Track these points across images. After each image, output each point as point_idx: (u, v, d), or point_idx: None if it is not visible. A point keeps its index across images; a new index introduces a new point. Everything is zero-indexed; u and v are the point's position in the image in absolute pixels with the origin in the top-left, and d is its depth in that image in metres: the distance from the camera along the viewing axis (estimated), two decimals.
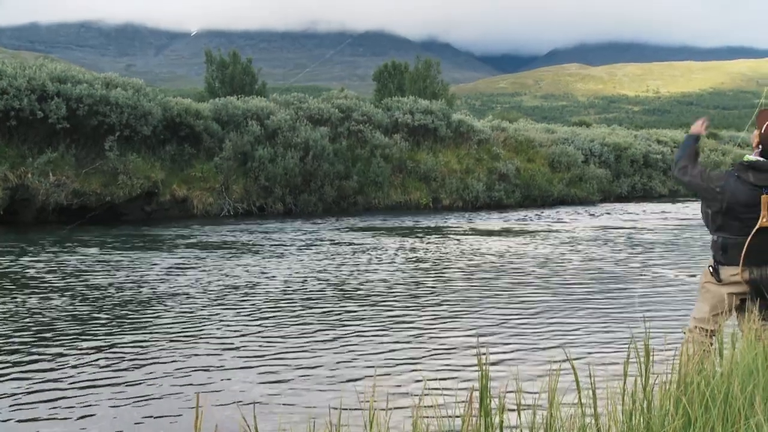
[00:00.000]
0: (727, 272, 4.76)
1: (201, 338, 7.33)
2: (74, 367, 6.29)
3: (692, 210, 26.24)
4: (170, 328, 7.76)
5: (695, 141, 5.12)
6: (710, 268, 4.86)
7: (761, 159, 4.67)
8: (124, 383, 5.87)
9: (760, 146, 4.68)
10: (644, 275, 11.48)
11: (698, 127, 5.21)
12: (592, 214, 24.33)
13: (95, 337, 7.32)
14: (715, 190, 4.68)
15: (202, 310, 8.68)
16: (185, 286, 10.29)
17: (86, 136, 20.80)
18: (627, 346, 4.29)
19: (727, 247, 4.71)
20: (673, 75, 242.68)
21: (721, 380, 3.28)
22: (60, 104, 19.84)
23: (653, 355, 3.87)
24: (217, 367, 6.35)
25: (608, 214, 24.63)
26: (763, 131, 4.69)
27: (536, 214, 24.09)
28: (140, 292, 9.81)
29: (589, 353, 6.58)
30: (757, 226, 4.58)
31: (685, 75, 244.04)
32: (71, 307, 8.79)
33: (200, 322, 8.02)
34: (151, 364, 6.42)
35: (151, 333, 7.54)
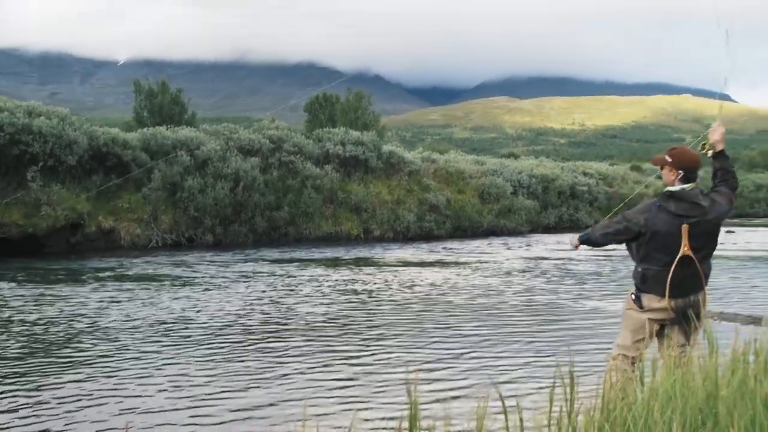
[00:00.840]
0: (648, 300, 4.89)
1: (131, 375, 7.18)
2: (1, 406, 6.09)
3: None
4: (100, 364, 7.58)
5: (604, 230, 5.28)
6: (632, 295, 4.99)
7: (684, 187, 4.86)
8: (53, 419, 5.71)
9: (681, 172, 4.87)
10: (571, 305, 11.71)
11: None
12: (521, 245, 24.72)
13: (24, 375, 7.10)
14: (638, 223, 4.85)
15: (132, 345, 8.50)
16: (114, 320, 10.07)
17: (7, 165, 20.27)
18: (553, 374, 4.38)
19: (647, 277, 4.86)
20: (598, 109, 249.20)
21: (642, 406, 3.38)
22: None
23: (578, 383, 3.96)
24: (147, 404, 6.23)
25: (537, 244, 25.06)
26: (677, 160, 4.91)
27: (467, 245, 24.35)
28: (69, 327, 9.56)
29: (517, 382, 6.67)
30: (679, 255, 4.73)
31: (610, 109, 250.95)
32: None
33: (131, 358, 7.85)
34: (81, 400, 6.26)
35: (80, 370, 7.35)
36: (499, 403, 3.69)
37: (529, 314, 10.82)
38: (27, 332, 9.13)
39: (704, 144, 5.33)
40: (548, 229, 33.06)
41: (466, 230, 29.11)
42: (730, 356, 3.97)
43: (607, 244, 5.24)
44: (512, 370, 7.26)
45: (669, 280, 4.75)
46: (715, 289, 13.65)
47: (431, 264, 18.24)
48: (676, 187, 4.87)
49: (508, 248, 23.29)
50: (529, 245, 24.51)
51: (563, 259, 19.52)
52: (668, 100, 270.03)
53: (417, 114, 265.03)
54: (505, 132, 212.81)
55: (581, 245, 5.40)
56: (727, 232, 31.68)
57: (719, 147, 5.26)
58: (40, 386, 6.66)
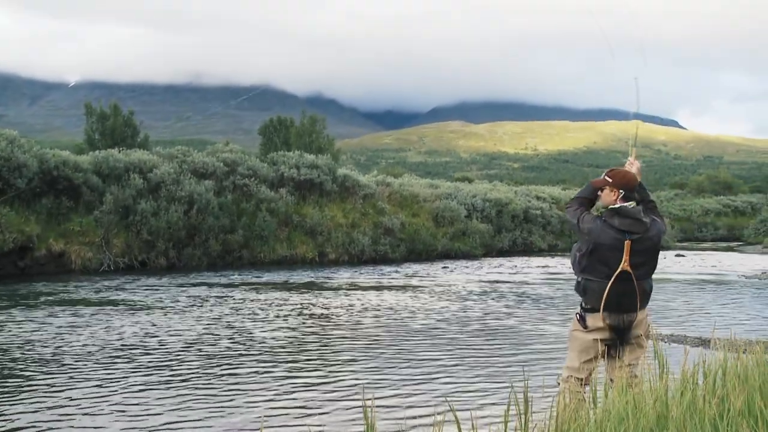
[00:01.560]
0: (592, 320, 5.00)
1: (83, 402, 7.07)
2: None
3: (569, 264, 27.22)
4: (51, 391, 7.45)
5: (593, 191, 5.32)
6: (577, 315, 5.08)
7: (626, 204, 5.03)
8: None
9: (621, 192, 5.05)
10: (527, 328, 11.83)
11: (599, 181, 5.38)
12: (475, 268, 24.88)
13: None
14: (584, 231, 5.00)
15: (84, 371, 8.37)
16: (66, 346, 9.90)
17: None
18: (507, 396, 4.44)
19: (587, 289, 4.98)
20: (550, 134, 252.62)
21: (595, 427, 3.45)
22: None
23: (532, 405, 4.02)
24: (97, 423, 6.14)
25: (491, 268, 25.25)
26: (618, 180, 5.10)
27: (421, 269, 24.44)
28: (19, 353, 9.37)
29: (473, 405, 6.72)
30: (618, 269, 4.87)
31: (561, 134, 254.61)
32: None
33: (83, 385, 7.73)
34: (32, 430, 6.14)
35: (30, 398, 7.21)
36: (455, 428, 3.73)
37: (485, 338, 10.90)
38: None
39: None
40: (502, 253, 33.32)
41: (420, 254, 29.22)
42: (680, 377, 4.07)
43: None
44: (468, 394, 7.31)
45: (605, 294, 4.88)
46: (665, 311, 13.91)
47: (387, 288, 18.27)
48: (619, 205, 5.04)
49: (463, 272, 23.43)
50: (483, 269, 24.69)
51: (518, 282, 19.70)
52: (618, 126, 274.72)
53: (371, 138, 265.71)
54: (458, 156, 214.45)
55: None
56: (677, 255, 32.31)
57: (637, 180, 5.42)
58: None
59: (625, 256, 4.88)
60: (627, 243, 4.90)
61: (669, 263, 27.50)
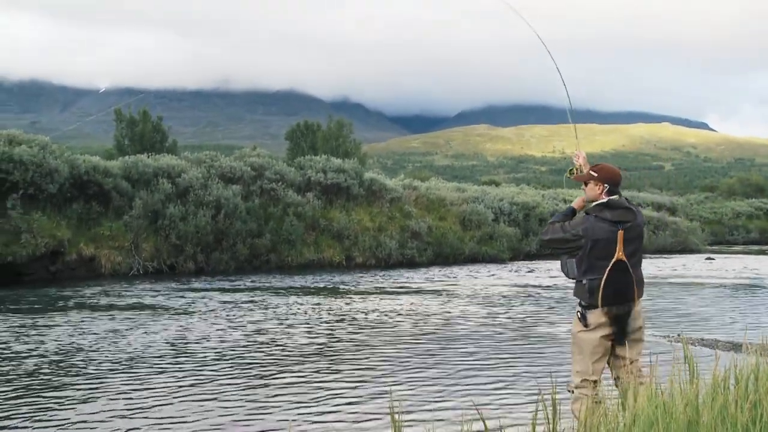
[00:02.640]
0: (594, 317, 4.95)
1: (112, 405, 7.14)
2: None
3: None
4: (80, 395, 7.53)
5: (571, 214, 5.38)
6: (578, 314, 5.03)
7: (613, 197, 5.10)
8: None
9: (606, 186, 5.12)
10: (554, 331, 11.76)
11: (578, 202, 5.48)
12: (503, 272, 24.79)
13: (6, 405, 7.04)
14: (578, 234, 4.96)
15: (114, 375, 8.45)
16: (98, 350, 10.00)
17: None
18: (535, 400, 4.41)
19: (594, 288, 4.92)
20: (578, 137, 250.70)
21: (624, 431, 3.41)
22: None
23: (560, 409, 3.99)
24: (128, 426, 6.19)
25: (519, 271, 25.14)
26: (603, 175, 5.17)
27: (449, 272, 24.39)
28: (54, 357, 9.48)
29: (501, 408, 6.69)
30: (614, 259, 4.88)
31: (589, 137, 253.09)
32: None
33: (116, 390, 7.80)
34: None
35: (62, 401, 7.29)
36: (482, 428, 3.71)
37: (512, 341, 10.85)
38: (9, 362, 9.04)
39: (571, 170, 5.59)
40: (529, 257, 33.15)
41: (447, 257, 29.16)
42: (711, 382, 4.02)
43: (548, 246, 5.31)
44: (496, 397, 7.28)
45: (602, 286, 4.87)
46: (695, 315, 13.76)
47: (414, 291, 18.25)
48: (607, 198, 5.10)
49: (491, 275, 23.35)
50: (510, 272, 24.59)
51: (545, 286, 19.60)
52: (647, 129, 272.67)
53: (398, 142, 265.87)
54: (485, 160, 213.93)
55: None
56: (707, 258, 31.95)
57: (586, 169, 5.50)
58: (20, 416, 6.60)
59: (620, 246, 4.91)
60: (620, 233, 4.93)
61: (699, 266, 27.20)
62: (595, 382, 4.93)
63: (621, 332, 4.93)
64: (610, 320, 4.90)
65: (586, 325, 4.97)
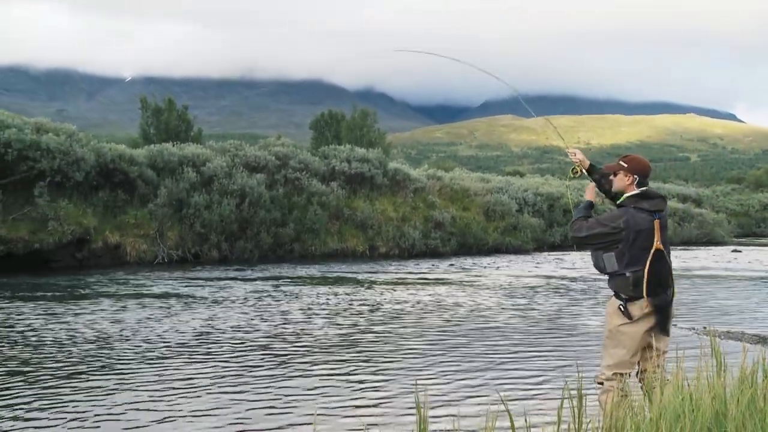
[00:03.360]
0: (636, 308, 4.89)
1: (138, 393, 7.20)
2: (18, 411, 6.11)
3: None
4: (108, 382, 7.60)
5: (590, 207, 5.34)
6: (620, 307, 4.95)
7: (649, 187, 5.10)
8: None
9: (636, 177, 5.07)
10: (578, 322, 11.70)
11: (591, 193, 5.45)
12: (527, 263, 24.70)
13: (32, 389, 7.12)
14: (619, 227, 4.89)
15: (142, 362, 8.52)
16: (125, 337, 10.09)
17: (15, 181, 20.36)
18: (561, 392, 4.39)
19: (639, 279, 4.87)
20: (603, 127, 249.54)
21: (650, 425, 3.38)
22: None
23: (586, 401, 3.97)
24: (155, 421, 6.24)
25: (543, 262, 25.04)
26: (633, 166, 5.11)
27: (472, 263, 24.34)
28: (84, 343, 9.58)
29: (526, 399, 6.67)
30: (653, 249, 4.85)
31: (614, 128, 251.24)
32: (13, 361, 8.53)
33: (141, 378, 7.87)
34: (88, 419, 6.27)
35: (91, 386, 7.37)
36: (508, 421, 3.70)
37: (537, 332, 10.81)
38: (35, 349, 9.15)
39: (573, 168, 5.66)
40: (553, 248, 32.99)
41: (471, 248, 29.10)
42: (739, 375, 3.98)
43: (584, 243, 5.19)
44: (521, 388, 7.26)
45: (647, 276, 4.84)
46: (722, 308, 13.63)
47: (438, 282, 18.23)
48: (641, 189, 5.07)
49: (515, 266, 23.27)
50: (534, 263, 24.49)
51: (570, 277, 19.50)
52: (673, 120, 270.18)
53: (422, 132, 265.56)
54: (510, 150, 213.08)
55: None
56: (733, 251, 31.63)
57: (587, 163, 5.63)
58: (47, 401, 6.68)
59: (657, 235, 4.89)
60: (656, 222, 4.92)
61: (726, 259, 26.94)
62: (626, 375, 4.90)
63: (665, 321, 4.91)
64: (654, 310, 4.87)
65: (629, 318, 4.91)
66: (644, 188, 5.07)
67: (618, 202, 5.14)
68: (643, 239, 4.87)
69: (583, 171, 5.66)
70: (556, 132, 6.09)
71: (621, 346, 4.93)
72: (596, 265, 5.12)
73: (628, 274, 4.89)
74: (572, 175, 5.68)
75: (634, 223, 4.88)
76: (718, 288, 17.22)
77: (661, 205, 5.00)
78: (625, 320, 4.92)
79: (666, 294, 4.90)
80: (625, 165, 5.13)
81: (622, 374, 4.89)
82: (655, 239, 4.87)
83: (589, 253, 5.22)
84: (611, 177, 5.25)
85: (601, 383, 4.95)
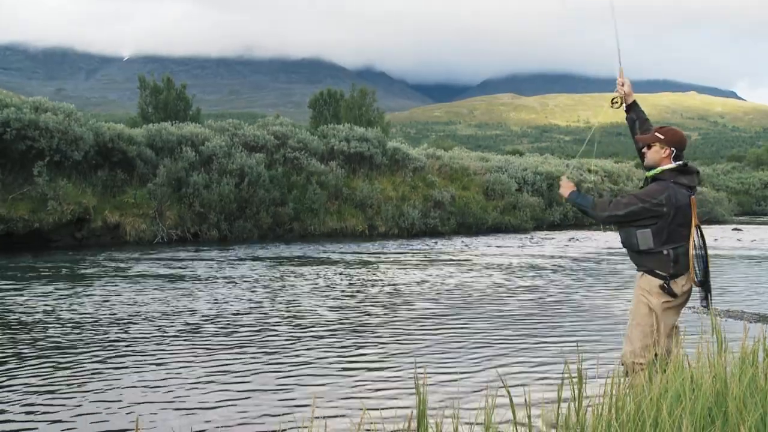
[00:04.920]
0: (679, 285, 4.77)
1: (137, 372, 7.20)
2: (7, 394, 6.11)
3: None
4: (109, 361, 7.60)
5: (579, 193, 5.14)
6: (663, 286, 4.76)
7: (687, 161, 4.88)
8: (62, 410, 5.72)
9: (673, 150, 4.82)
10: (579, 303, 11.70)
11: (567, 184, 5.22)
12: (526, 242, 24.70)
13: (33, 370, 7.12)
14: (661, 203, 4.68)
15: (140, 341, 8.52)
16: (126, 316, 10.09)
17: (14, 161, 20.31)
18: (561, 371, 4.38)
19: (679, 256, 4.73)
20: (602, 106, 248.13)
21: (651, 404, 3.37)
22: None
23: (586, 381, 3.96)
24: (156, 402, 6.25)
25: (543, 241, 25.04)
26: (670, 138, 4.85)
27: (472, 242, 24.34)
28: (87, 322, 9.59)
29: (526, 379, 6.67)
30: (692, 226, 4.72)
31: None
32: (6, 339, 8.53)
33: (138, 354, 7.87)
34: (90, 398, 6.27)
35: (91, 366, 7.37)
36: (507, 400, 3.69)
37: (538, 313, 10.81)
38: (42, 328, 9.15)
39: (614, 99, 5.37)
40: (553, 227, 33.02)
41: (470, 227, 29.11)
42: (740, 354, 3.97)
43: (618, 221, 4.94)
44: (521, 368, 7.26)
45: (690, 252, 4.71)
46: (722, 286, 13.64)
47: (437, 261, 18.24)
48: (680, 162, 4.84)
49: (515, 246, 23.27)
50: (534, 243, 24.49)
51: (569, 257, 19.50)
52: (672, 98, 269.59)
53: (421, 111, 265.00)
54: (509, 129, 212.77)
55: (569, 201, 5.21)
56: (734, 229, 31.64)
57: (631, 99, 5.36)
58: (48, 382, 6.68)
59: (694, 212, 4.74)
60: (693, 198, 4.77)
61: (726, 237, 26.94)
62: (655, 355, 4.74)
63: (709, 294, 4.80)
64: (700, 286, 4.76)
65: (673, 295, 4.75)
66: (682, 162, 4.85)
67: (653, 174, 4.89)
68: (682, 215, 4.71)
69: (624, 104, 5.40)
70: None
71: (653, 326, 4.75)
72: (626, 242, 4.92)
73: (666, 252, 4.72)
74: (612, 105, 5.39)
75: (675, 200, 4.68)
76: (719, 267, 17.22)
77: (696, 180, 4.86)
78: (668, 298, 4.76)
79: (708, 269, 4.78)
80: (662, 137, 4.86)
81: (656, 355, 4.70)
82: (693, 216, 4.73)
83: (614, 229, 5.03)
84: (644, 149, 4.96)
85: (634, 369, 4.75)
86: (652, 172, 4.89)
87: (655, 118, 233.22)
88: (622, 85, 5.35)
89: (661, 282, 4.74)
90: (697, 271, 4.71)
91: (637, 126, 5.29)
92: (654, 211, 4.69)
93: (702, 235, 4.75)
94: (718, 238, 26.80)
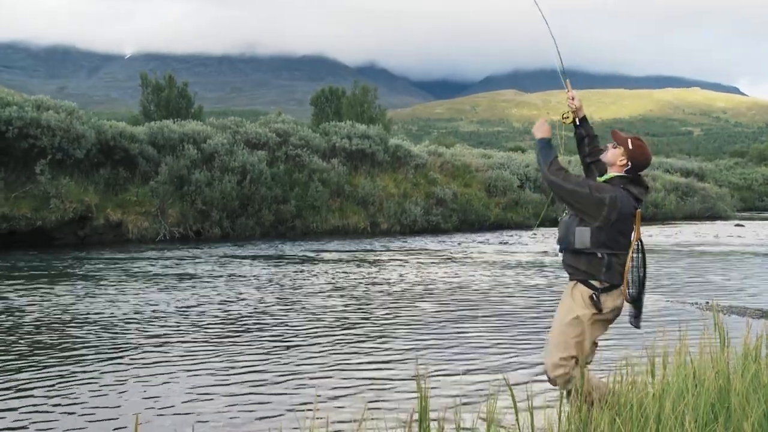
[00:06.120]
0: (609, 300, 4.48)
1: (139, 370, 7.20)
2: (9, 391, 6.11)
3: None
4: (112, 357, 7.61)
5: (550, 144, 4.88)
6: (592, 297, 4.45)
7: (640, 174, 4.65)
8: (64, 407, 5.72)
9: (630, 164, 4.58)
10: None
11: (545, 127, 4.95)
12: (529, 239, 24.68)
13: (36, 367, 7.13)
14: (603, 201, 4.41)
15: (143, 339, 8.53)
16: (129, 314, 10.10)
17: (16, 159, 20.33)
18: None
19: (612, 264, 4.45)
20: (606, 102, 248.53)
21: (653, 401, 3.37)
22: None
23: (589, 375, 3.95)
24: (156, 398, 6.25)
25: (544, 238, 25.01)
26: (637, 151, 4.60)
27: (474, 239, 24.33)
28: (90, 320, 9.59)
29: (528, 377, 6.66)
30: (633, 238, 4.47)
31: (617, 102, 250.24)
32: (9, 338, 8.53)
33: (143, 352, 7.88)
34: (93, 394, 6.28)
35: (95, 364, 7.37)
36: (510, 400, 3.69)
37: (540, 310, 10.80)
38: (44, 326, 9.15)
39: (564, 114, 5.11)
40: (555, 223, 32.54)
41: (473, 224, 29.09)
42: (742, 350, 3.96)
43: (558, 189, 4.69)
44: (523, 366, 7.25)
45: (627, 264, 4.42)
46: (724, 282, 13.62)
47: (439, 259, 18.23)
48: (630, 175, 4.59)
49: (517, 242, 23.25)
50: (536, 239, 24.47)
51: None
52: (675, 94, 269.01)
53: (423, 107, 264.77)
54: (511, 125, 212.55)
55: (536, 143, 4.98)
56: (736, 225, 31.61)
57: (582, 113, 5.09)
58: (44, 378, 6.68)
59: (638, 224, 4.51)
60: (638, 212, 4.55)
61: (728, 233, 26.91)
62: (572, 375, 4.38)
63: (639, 314, 4.52)
64: (632, 302, 4.47)
65: (600, 310, 4.45)
66: (640, 174, 4.64)
67: (605, 179, 4.66)
68: (623, 223, 4.45)
69: (576, 120, 5.13)
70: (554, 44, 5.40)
71: (579, 338, 4.42)
72: (564, 238, 4.64)
73: (600, 255, 4.44)
74: (563, 121, 5.11)
75: (621, 204, 4.43)
76: (721, 263, 17.20)
77: (644, 195, 4.62)
78: (596, 311, 4.43)
79: (643, 287, 4.49)
80: (630, 147, 4.59)
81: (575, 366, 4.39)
82: (636, 229, 4.50)
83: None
84: (609, 146, 4.73)
85: (558, 382, 4.41)
86: (603, 177, 4.68)
87: (657, 113, 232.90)
88: (573, 99, 5.06)
89: (591, 293, 4.45)
90: (630, 287, 4.42)
91: (586, 143, 5.07)
92: (594, 205, 4.43)
93: (643, 251, 4.48)
94: (721, 234, 26.75)
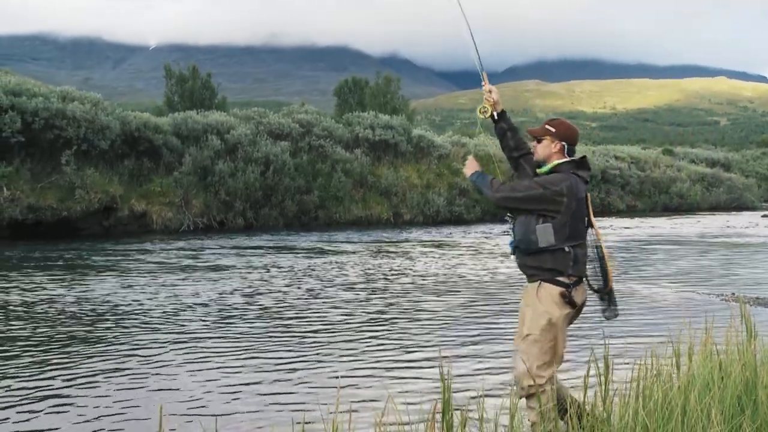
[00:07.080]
0: (579, 294, 4.30)
1: (166, 360, 7.25)
2: (41, 381, 6.17)
3: (649, 225, 26.60)
4: (136, 348, 7.66)
5: (482, 173, 4.68)
6: (564, 294, 4.21)
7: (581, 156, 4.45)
8: (96, 396, 5.78)
9: (564, 144, 4.36)
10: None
11: (473, 164, 4.79)
12: None
13: (59, 356, 7.20)
14: (561, 192, 4.15)
15: (166, 329, 8.58)
16: (155, 305, 10.17)
17: (42, 150, 20.51)
18: (587, 359, 4.34)
19: (578, 255, 4.24)
20: (630, 92, 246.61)
21: (679, 393, 3.34)
22: (15, 118, 19.58)
23: (612, 369, 3.92)
24: (181, 389, 6.28)
25: None
26: (562, 131, 4.41)
27: (497, 230, 24.24)
28: (115, 310, 9.67)
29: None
30: (588, 226, 4.31)
31: (641, 92, 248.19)
32: (35, 329, 8.63)
33: (165, 343, 7.93)
34: (117, 386, 6.33)
35: (119, 355, 7.44)
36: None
37: None
38: (69, 316, 9.24)
39: (482, 108, 4.90)
40: None
41: (496, 214, 28.97)
42: None
43: (501, 207, 4.47)
44: None
45: (577, 256, 4.22)
46: (751, 274, 13.47)
47: (463, 249, 18.19)
48: (572, 157, 4.38)
49: None
50: None
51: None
52: (701, 83, 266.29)
53: (446, 98, 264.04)
54: (535, 116, 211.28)
55: (470, 180, 4.73)
56: (763, 216, 31.25)
57: (500, 107, 4.90)
58: (73, 369, 6.74)
59: (590, 208, 4.34)
60: (588, 195, 4.37)
61: (755, 224, 26.61)
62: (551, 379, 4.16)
63: (610, 305, 4.41)
64: (607, 293, 4.36)
65: (573, 305, 4.24)
66: (579, 155, 4.42)
67: (547, 170, 4.37)
68: (579, 211, 4.23)
69: (494, 114, 4.90)
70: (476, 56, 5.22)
71: (552, 340, 4.17)
72: (523, 239, 4.30)
73: (567, 249, 4.18)
74: (480, 116, 4.91)
75: (577, 191, 4.19)
76: (748, 254, 17.01)
77: (588, 176, 4.40)
78: (569, 309, 4.23)
79: (607, 275, 4.33)
80: (553, 130, 4.40)
81: (550, 376, 4.12)
82: (589, 213, 4.32)
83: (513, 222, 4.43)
84: (534, 143, 4.49)
85: (529, 393, 4.09)
86: (545, 168, 4.39)
87: (683, 103, 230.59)
88: (490, 92, 4.88)
89: (562, 290, 4.19)
90: (595, 277, 4.29)
91: (509, 136, 4.87)
92: (553, 200, 4.16)
93: (597, 235, 4.31)
94: (748, 225, 26.46)
